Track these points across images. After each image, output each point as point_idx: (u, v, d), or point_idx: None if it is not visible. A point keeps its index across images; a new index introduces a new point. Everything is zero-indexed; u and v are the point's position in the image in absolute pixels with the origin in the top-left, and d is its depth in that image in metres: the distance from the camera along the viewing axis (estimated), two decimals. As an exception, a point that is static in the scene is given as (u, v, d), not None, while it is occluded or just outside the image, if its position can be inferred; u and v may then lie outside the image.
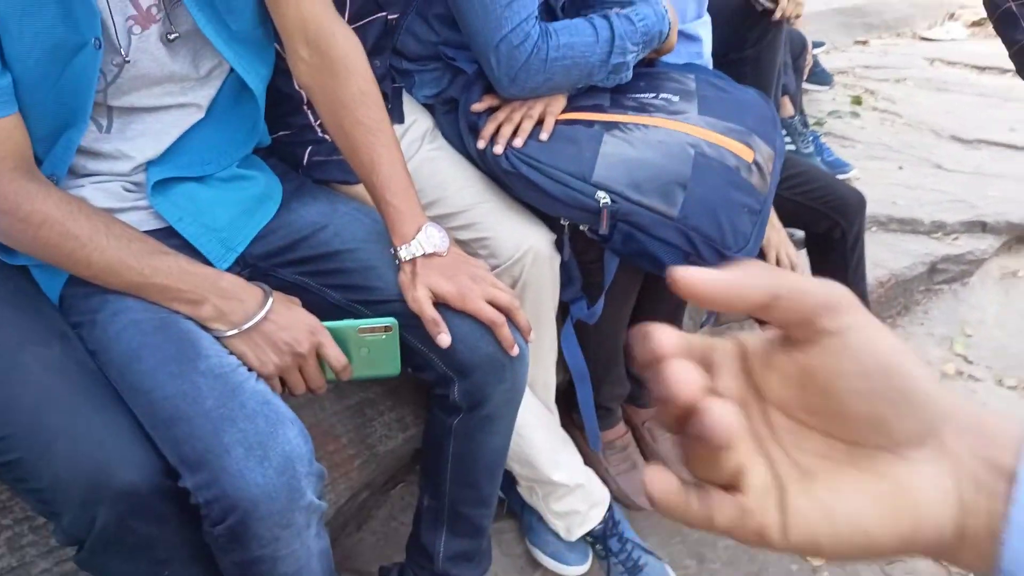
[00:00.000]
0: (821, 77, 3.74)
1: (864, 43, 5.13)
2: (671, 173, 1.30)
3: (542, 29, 1.33)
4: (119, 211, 1.07)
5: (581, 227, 1.35)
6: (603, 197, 1.28)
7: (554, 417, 1.56)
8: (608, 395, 1.69)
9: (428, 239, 1.11)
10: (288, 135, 1.27)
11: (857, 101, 3.96)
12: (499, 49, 1.31)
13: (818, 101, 3.82)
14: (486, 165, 1.41)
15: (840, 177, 2.70)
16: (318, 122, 1.28)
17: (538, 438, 1.48)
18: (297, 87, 1.23)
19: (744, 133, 1.39)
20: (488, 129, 1.39)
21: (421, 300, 1.08)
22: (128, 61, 1.01)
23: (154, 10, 1.01)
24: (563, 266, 1.41)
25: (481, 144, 1.39)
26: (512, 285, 1.36)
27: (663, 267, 1.35)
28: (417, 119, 1.48)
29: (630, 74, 1.44)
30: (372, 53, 1.40)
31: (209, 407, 0.92)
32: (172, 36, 1.03)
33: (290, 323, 1.03)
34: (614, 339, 1.60)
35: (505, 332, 1.12)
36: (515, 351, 1.14)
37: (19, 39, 0.92)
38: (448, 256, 1.13)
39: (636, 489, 1.76)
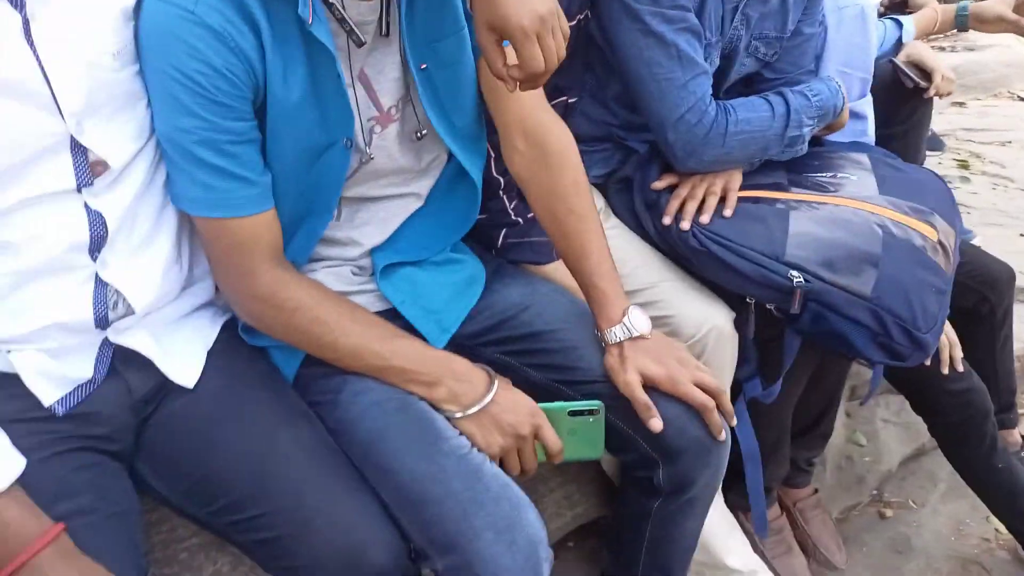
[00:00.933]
0: (934, 143, 3.70)
1: (962, 104, 5.07)
2: (862, 252, 1.30)
3: (719, 106, 1.38)
4: (349, 294, 1.12)
5: (767, 306, 1.36)
6: (796, 276, 1.28)
7: (720, 497, 1.54)
8: (770, 476, 1.66)
9: (634, 322, 1.13)
10: (484, 218, 1.32)
11: (964, 165, 3.89)
12: (677, 127, 1.35)
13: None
14: (666, 243, 1.43)
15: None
16: (512, 205, 1.33)
17: (712, 520, 1.45)
18: (494, 173, 1.29)
19: (927, 213, 1.39)
20: (672, 206, 1.42)
21: (632, 384, 1.10)
22: (372, 158, 1.08)
23: (393, 111, 1.08)
24: (742, 345, 1.41)
25: (667, 220, 1.41)
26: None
27: (852, 348, 1.34)
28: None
29: (805, 147, 1.46)
30: None
31: (457, 489, 0.94)
32: (422, 134, 1.10)
33: (513, 406, 1.05)
34: (783, 419, 1.58)
35: (715, 417, 1.12)
36: (723, 436, 1.14)
37: (282, 142, 1.00)
38: (653, 339, 1.15)
39: (792, 573, 1.71)
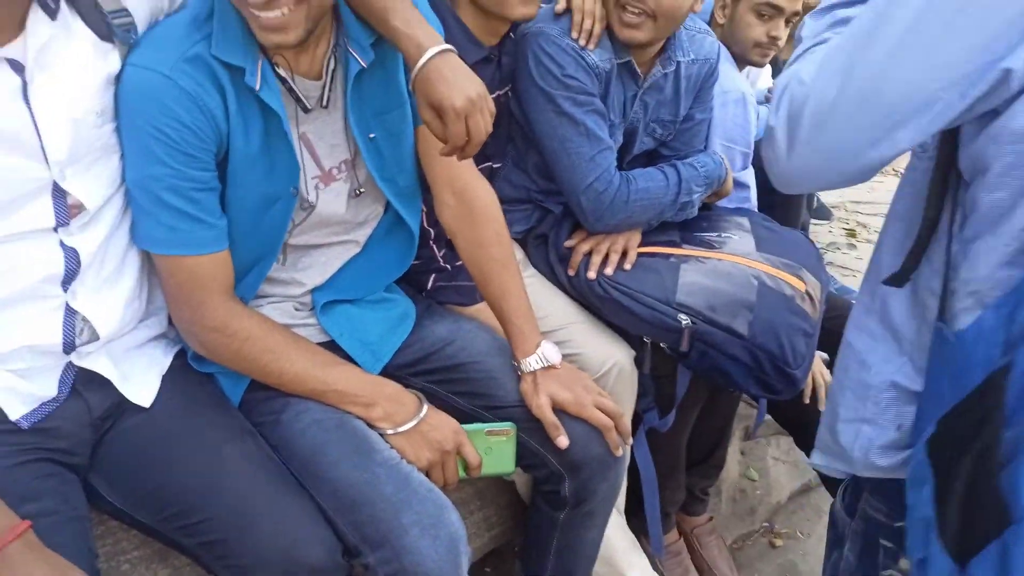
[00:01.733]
0: (821, 212, 4.09)
1: (851, 180, 5.56)
2: (740, 300, 1.52)
3: (622, 176, 1.59)
4: (292, 327, 1.26)
5: (661, 345, 1.56)
6: (685, 319, 1.49)
7: (623, 520, 1.71)
8: (667, 500, 1.84)
9: (547, 353, 1.31)
10: (417, 264, 1.48)
11: (852, 233, 4.29)
12: (587, 193, 1.56)
13: (816, 234, 4.15)
14: (576, 291, 1.63)
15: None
16: (441, 253, 1.51)
17: (615, 538, 1.62)
18: (426, 225, 1.46)
19: (796, 267, 1.63)
20: (576, 259, 1.62)
21: (543, 406, 1.27)
22: (314, 206, 1.23)
23: (335, 171, 1.24)
24: (641, 379, 1.61)
25: (571, 272, 1.62)
26: None
27: (732, 381, 1.55)
28: (512, 250, 1.71)
29: (695, 211, 1.69)
30: None
31: (388, 493, 1.08)
32: (359, 191, 1.26)
33: (439, 425, 1.21)
34: (678, 448, 1.77)
35: (613, 435, 1.30)
36: (619, 452, 1.32)
37: (240, 189, 1.15)
38: (562, 368, 1.32)
39: (689, 593, 1.88)
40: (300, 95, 1.14)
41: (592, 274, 1.57)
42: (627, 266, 1.58)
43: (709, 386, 1.70)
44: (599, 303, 1.58)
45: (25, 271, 1.02)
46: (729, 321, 1.50)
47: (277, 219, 1.19)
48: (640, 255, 1.61)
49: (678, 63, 1.65)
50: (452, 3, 1.49)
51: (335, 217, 1.27)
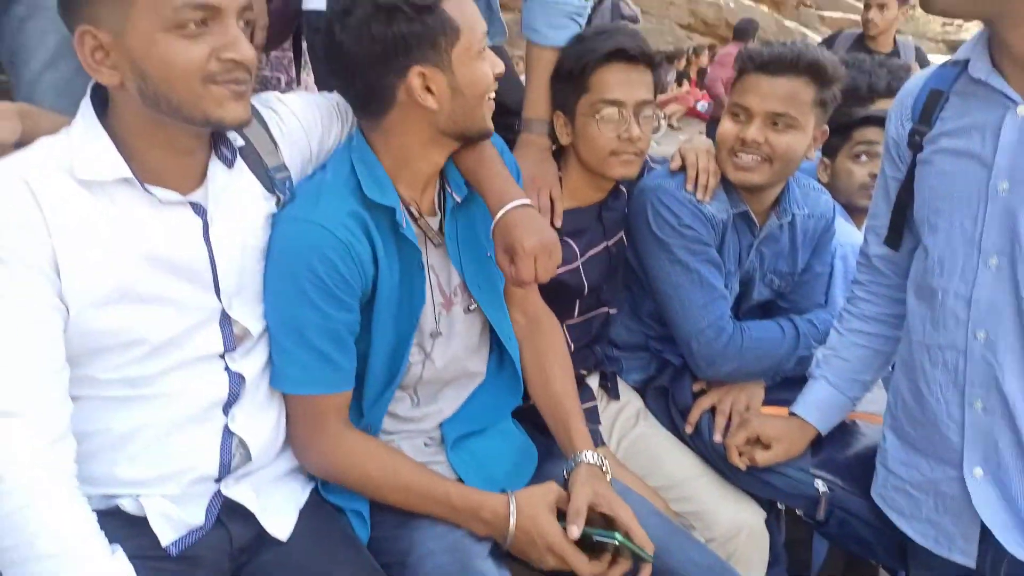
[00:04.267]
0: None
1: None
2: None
3: (736, 326, 1.58)
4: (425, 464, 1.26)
5: (796, 512, 1.47)
6: (821, 486, 1.41)
7: None
8: None
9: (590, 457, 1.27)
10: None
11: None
12: (699, 339, 1.55)
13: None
14: (699, 447, 1.58)
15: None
16: None
17: None
18: None
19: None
20: (694, 415, 1.59)
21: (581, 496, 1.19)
22: (441, 333, 1.29)
23: (452, 296, 1.31)
24: (772, 544, 1.51)
25: (689, 430, 1.59)
26: (726, 558, 1.46)
27: (874, 554, 1.44)
28: (630, 400, 1.69)
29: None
30: (594, 341, 1.68)
31: None
32: (471, 308, 1.32)
33: (532, 513, 1.16)
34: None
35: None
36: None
37: (383, 324, 1.21)
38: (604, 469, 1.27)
39: None
40: (433, 231, 1.25)
41: (718, 437, 1.53)
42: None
43: (846, 555, 1.57)
44: (724, 466, 1.52)
45: (195, 394, 1.08)
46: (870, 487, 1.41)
47: (403, 350, 1.25)
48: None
49: (793, 215, 1.66)
50: (563, 164, 1.60)
51: (456, 340, 1.32)
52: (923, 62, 3.48)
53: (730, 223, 1.61)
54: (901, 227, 1.29)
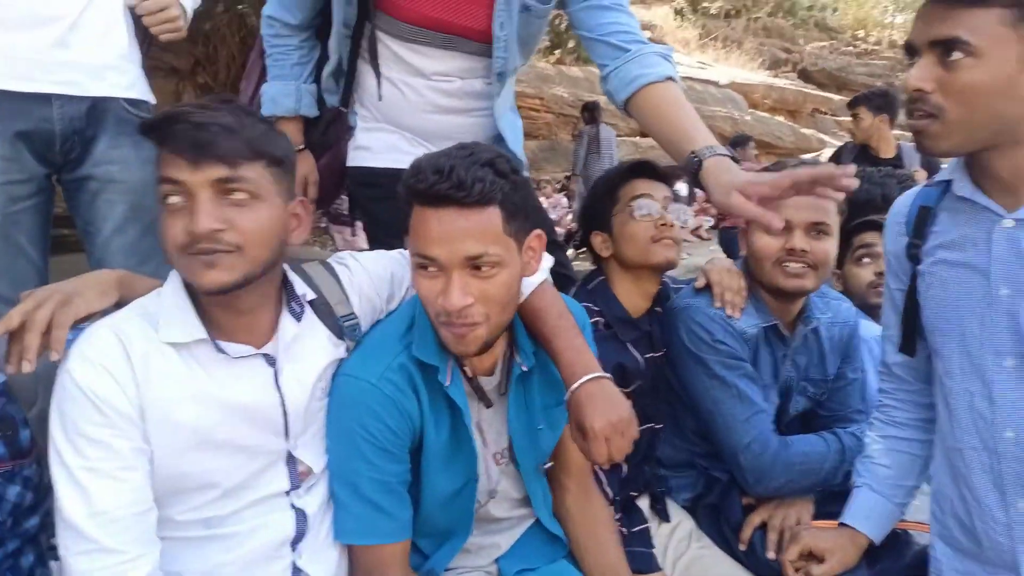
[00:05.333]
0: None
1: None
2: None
3: (781, 440, 1.60)
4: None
5: (856, 628, 1.44)
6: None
7: None
8: None
9: None
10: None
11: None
12: (746, 455, 1.57)
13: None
14: (753, 565, 1.57)
15: None
16: (617, 517, 1.54)
17: None
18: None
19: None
20: (746, 533, 1.60)
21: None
22: (497, 493, 1.35)
23: (498, 456, 1.35)
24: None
25: (742, 547, 1.59)
26: None
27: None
28: (681, 520, 1.70)
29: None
30: (643, 461, 1.70)
31: None
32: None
33: None
34: None
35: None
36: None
37: (433, 476, 1.26)
38: None
39: None
40: (483, 391, 1.29)
41: (772, 554, 1.53)
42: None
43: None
44: (784, 586, 1.51)
45: (265, 532, 1.14)
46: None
47: (466, 500, 1.30)
48: (818, 529, 1.56)
49: (817, 321, 1.72)
50: (607, 283, 1.69)
51: (511, 490, 1.38)
52: (930, 164, 3.62)
53: (761, 338, 1.66)
54: (913, 334, 1.34)
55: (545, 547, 1.41)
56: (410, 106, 1.68)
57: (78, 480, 1.01)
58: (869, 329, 1.90)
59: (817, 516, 1.60)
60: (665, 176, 1.70)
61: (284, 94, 1.74)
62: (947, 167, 1.28)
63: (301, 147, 1.73)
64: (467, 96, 1.70)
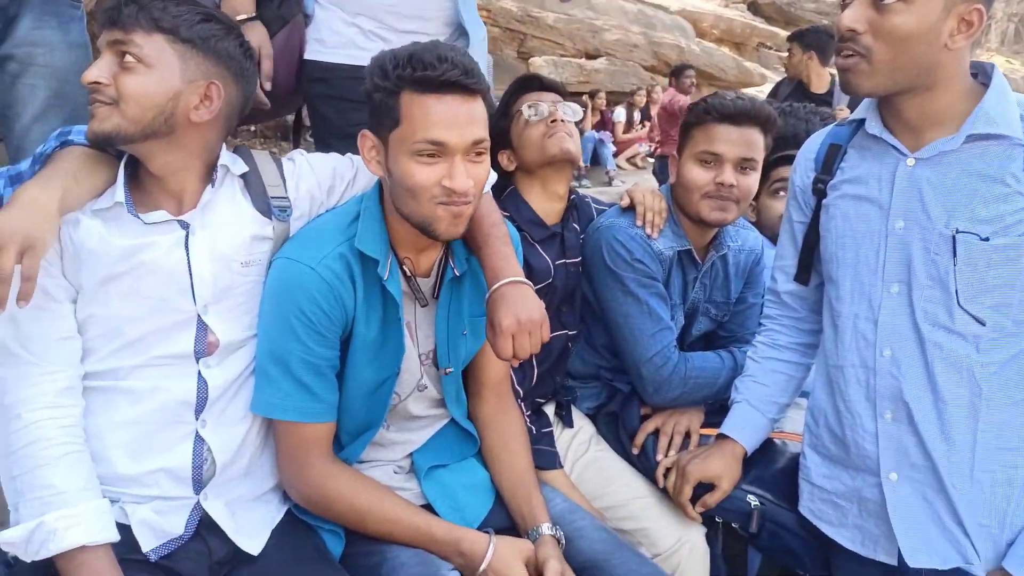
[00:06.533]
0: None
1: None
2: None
3: (681, 355, 1.73)
4: (393, 489, 1.37)
5: (732, 525, 1.61)
6: (754, 500, 1.56)
7: None
8: None
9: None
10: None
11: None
12: (648, 367, 1.70)
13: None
14: (644, 467, 1.72)
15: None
16: (527, 414, 1.65)
17: None
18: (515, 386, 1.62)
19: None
20: (639, 438, 1.74)
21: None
22: (426, 387, 1.43)
23: (423, 357, 1.42)
24: (713, 558, 1.64)
25: (635, 451, 1.73)
26: (671, 572, 1.59)
27: (801, 563, 1.58)
28: (583, 426, 1.83)
29: None
30: (554, 367, 1.81)
31: None
32: (449, 371, 1.43)
33: (507, 556, 1.27)
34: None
35: None
36: None
37: (358, 368, 1.32)
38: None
39: None
40: (420, 292, 1.36)
41: (660, 456, 1.68)
42: (692, 448, 1.68)
43: (780, 566, 1.71)
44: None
45: (166, 393, 1.21)
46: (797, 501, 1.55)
47: (384, 394, 1.37)
48: (704, 436, 1.71)
49: (727, 248, 1.83)
50: (521, 193, 1.77)
51: (430, 390, 1.45)
52: (855, 104, 3.75)
53: (675, 259, 1.76)
54: (809, 265, 1.46)
55: (456, 445, 1.50)
56: None
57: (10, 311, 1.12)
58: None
59: (705, 425, 1.74)
60: (552, 86, 1.79)
61: None
62: (860, 107, 1.36)
63: (252, 16, 1.67)
64: None
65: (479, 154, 1.24)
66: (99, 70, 1.17)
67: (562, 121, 1.71)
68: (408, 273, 1.34)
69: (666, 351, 1.70)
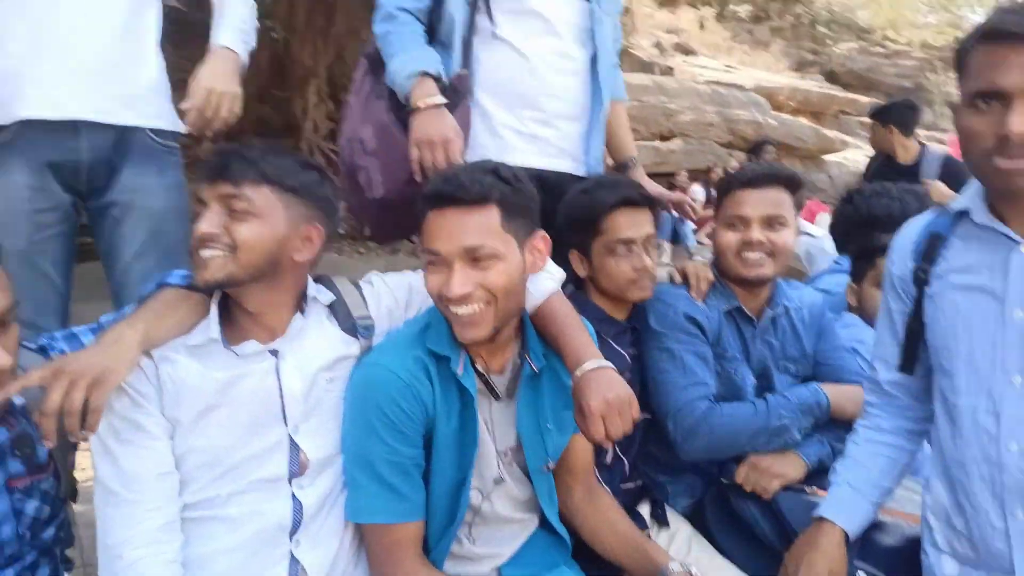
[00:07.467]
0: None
1: None
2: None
3: (710, 405, 1.68)
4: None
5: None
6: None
7: None
8: None
9: None
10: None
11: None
12: (675, 417, 1.68)
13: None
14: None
15: None
16: None
17: None
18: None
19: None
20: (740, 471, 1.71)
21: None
22: (504, 480, 1.40)
23: (508, 452, 1.42)
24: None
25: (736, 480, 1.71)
26: None
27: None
28: (679, 527, 1.76)
29: (797, 437, 1.70)
30: (639, 452, 1.79)
31: None
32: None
33: None
34: None
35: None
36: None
37: (442, 463, 1.33)
38: None
39: None
40: (493, 385, 1.37)
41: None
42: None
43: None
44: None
45: (262, 518, 1.23)
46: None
47: (465, 489, 1.35)
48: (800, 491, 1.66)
49: (786, 307, 1.86)
50: (588, 295, 1.78)
51: (516, 490, 1.43)
52: (950, 170, 3.61)
53: (725, 318, 1.79)
54: (915, 355, 1.39)
55: (546, 553, 1.46)
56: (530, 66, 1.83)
57: (109, 449, 1.19)
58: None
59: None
60: (650, 200, 1.76)
61: (429, 55, 1.75)
62: (962, 197, 1.32)
63: (445, 102, 1.71)
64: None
65: (485, 258, 1.25)
66: (210, 223, 1.22)
67: (650, 269, 1.72)
68: (480, 371, 1.35)
69: (695, 401, 1.68)
